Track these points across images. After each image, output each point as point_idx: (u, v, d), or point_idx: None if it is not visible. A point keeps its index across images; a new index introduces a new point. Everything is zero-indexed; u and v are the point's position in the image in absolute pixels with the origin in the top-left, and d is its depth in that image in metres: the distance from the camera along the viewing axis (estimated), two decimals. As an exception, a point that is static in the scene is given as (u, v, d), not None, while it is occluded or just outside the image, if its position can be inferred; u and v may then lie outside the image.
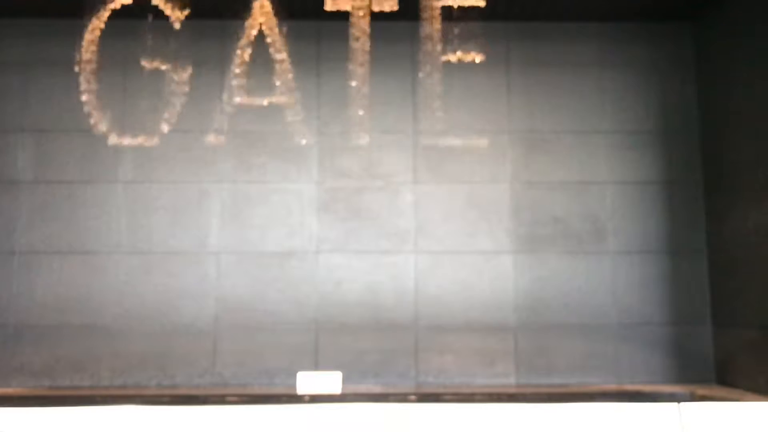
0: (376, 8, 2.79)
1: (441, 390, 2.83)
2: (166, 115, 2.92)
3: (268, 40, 2.88)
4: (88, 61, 2.87)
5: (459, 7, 2.89)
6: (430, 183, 3.11)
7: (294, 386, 2.84)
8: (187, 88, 3.02)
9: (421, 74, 3.15)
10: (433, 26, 2.88)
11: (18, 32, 3.14)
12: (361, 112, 3.09)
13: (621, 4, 3.07)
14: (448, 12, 3.05)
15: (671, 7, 3.10)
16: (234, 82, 2.92)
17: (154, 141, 2.91)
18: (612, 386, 2.94)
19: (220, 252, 3.04)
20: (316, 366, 2.98)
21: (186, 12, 2.85)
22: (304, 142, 2.92)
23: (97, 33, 2.86)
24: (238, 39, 3.12)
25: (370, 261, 3.05)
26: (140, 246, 3.03)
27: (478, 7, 2.87)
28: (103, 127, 2.89)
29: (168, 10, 2.86)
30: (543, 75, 3.17)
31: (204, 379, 2.96)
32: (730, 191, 2.89)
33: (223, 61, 3.14)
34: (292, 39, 3.16)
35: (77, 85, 3.11)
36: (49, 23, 3.14)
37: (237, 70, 2.89)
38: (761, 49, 2.69)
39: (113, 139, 2.88)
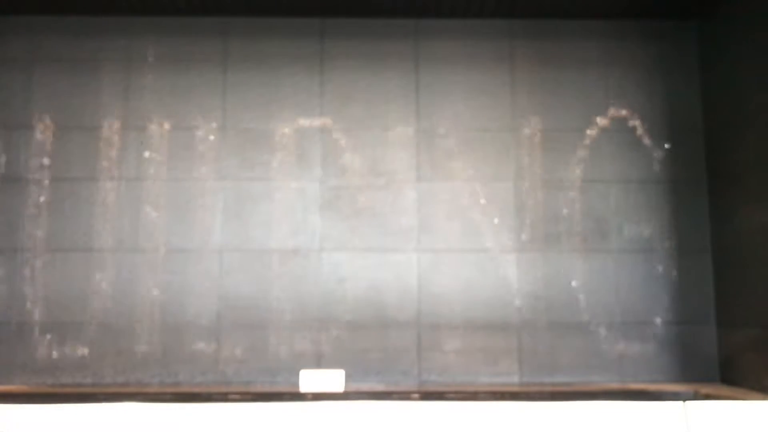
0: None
1: (444, 388, 2.82)
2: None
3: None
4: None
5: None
6: (433, 181, 3.10)
7: (297, 384, 2.85)
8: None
9: (424, 72, 3.16)
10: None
11: (21, 29, 3.14)
12: (364, 110, 3.11)
13: (626, 2, 3.06)
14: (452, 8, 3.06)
15: (676, 5, 3.09)
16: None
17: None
18: (615, 385, 2.93)
19: (223, 250, 3.04)
20: (318, 364, 2.97)
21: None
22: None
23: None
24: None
25: (373, 259, 3.04)
26: (143, 243, 3.03)
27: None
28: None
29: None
30: (547, 73, 3.17)
31: (206, 377, 2.96)
32: (734, 190, 2.88)
33: (226, 58, 3.15)
34: (295, 36, 3.17)
35: (80, 81, 3.12)
36: (53, 20, 3.14)
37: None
38: (767, 47, 2.68)
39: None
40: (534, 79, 3.17)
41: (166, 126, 3.11)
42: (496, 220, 3.08)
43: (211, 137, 3.11)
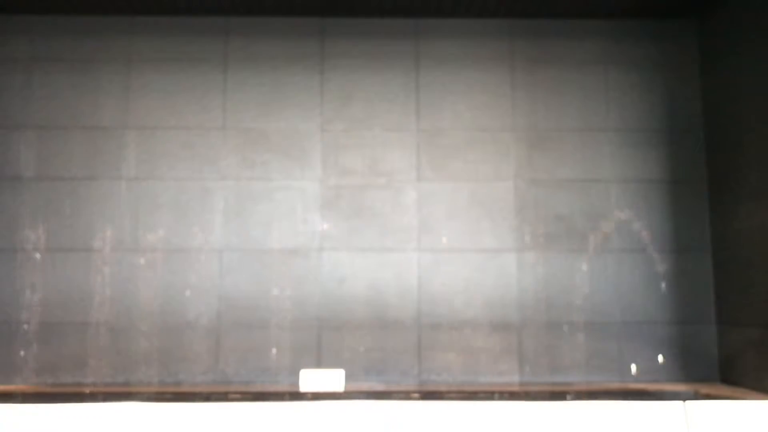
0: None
1: (444, 388, 2.83)
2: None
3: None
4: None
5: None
6: (433, 181, 3.10)
7: (297, 384, 2.85)
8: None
9: (424, 71, 3.16)
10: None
11: (21, 28, 3.14)
12: (364, 110, 3.11)
13: (626, 2, 3.06)
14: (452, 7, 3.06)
15: (676, 4, 3.09)
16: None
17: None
18: (616, 384, 2.93)
19: (223, 249, 3.04)
20: (318, 364, 2.97)
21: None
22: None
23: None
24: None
25: (373, 259, 3.05)
26: (143, 243, 3.03)
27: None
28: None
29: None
30: (547, 72, 3.17)
31: (207, 377, 2.96)
32: (735, 189, 2.88)
33: (226, 57, 3.15)
34: (295, 36, 3.17)
35: (80, 81, 3.13)
36: (53, 20, 3.14)
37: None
38: (767, 47, 2.67)
39: None
40: (534, 79, 3.17)
41: (166, 125, 3.11)
42: (496, 220, 3.08)
43: (211, 137, 3.11)
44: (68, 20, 3.14)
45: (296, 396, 2.57)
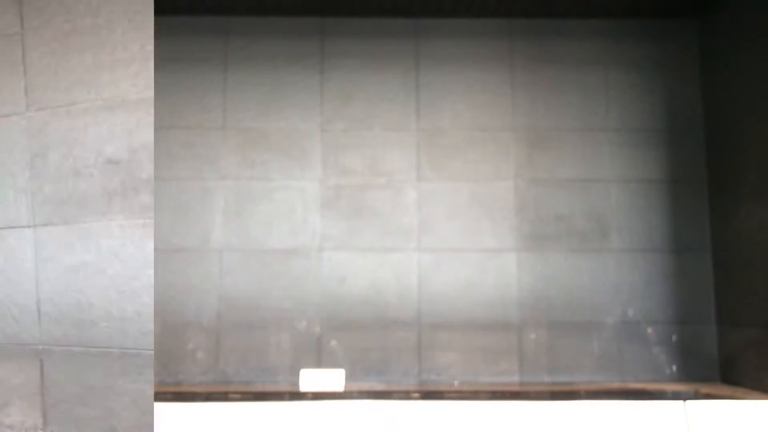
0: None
1: (444, 388, 2.82)
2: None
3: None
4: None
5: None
6: (433, 180, 3.10)
7: (297, 384, 2.85)
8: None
9: (424, 71, 3.16)
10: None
11: (21, 28, 3.14)
12: (364, 110, 3.11)
13: (626, 2, 3.06)
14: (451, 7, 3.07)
15: (676, 4, 3.09)
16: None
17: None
18: (616, 384, 2.93)
19: (223, 249, 3.04)
20: (318, 364, 2.97)
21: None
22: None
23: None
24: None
25: (373, 258, 3.04)
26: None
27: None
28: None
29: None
30: (547, 72, 3.17)
31: (207, 377, 2.96)
32: (735, 189, 2.88)
33: (226, 57, 3.15)
34: (296, 35, 3.17)
35: (80, 81, 3.13)
36: (52, 20, 3.14)
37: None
38: (767, 46, 2.68)
39: None
40: (534, 79, 3.17)
41: (167, 125, 3.11)
42: (496, 220, 3.08)
43: (211, 137, 3.11)
44: (68, 20, 3.14)
45: (296, 396, 2.57)
